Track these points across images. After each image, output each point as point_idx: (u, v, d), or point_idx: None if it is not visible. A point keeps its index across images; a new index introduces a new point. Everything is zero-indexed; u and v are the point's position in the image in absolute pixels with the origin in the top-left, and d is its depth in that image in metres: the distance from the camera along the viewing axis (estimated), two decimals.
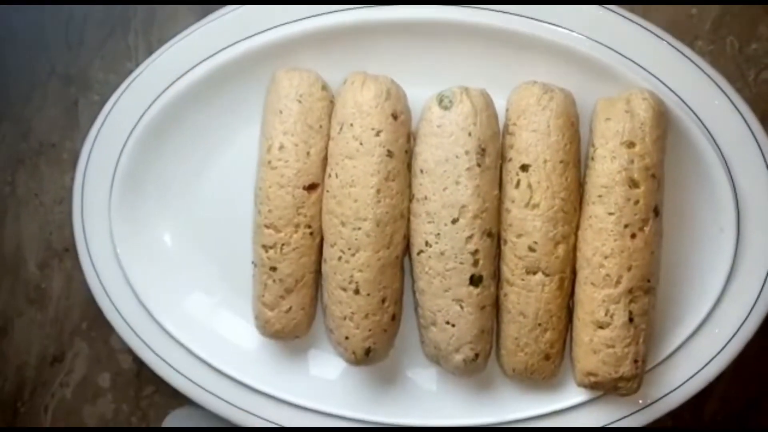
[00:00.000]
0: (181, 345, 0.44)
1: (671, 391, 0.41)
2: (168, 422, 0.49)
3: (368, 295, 0.40)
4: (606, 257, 0.38)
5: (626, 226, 0.38)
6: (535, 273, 0.39)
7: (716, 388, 0.44)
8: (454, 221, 0.39)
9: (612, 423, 0.41)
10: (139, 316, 0.45)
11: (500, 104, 0.41)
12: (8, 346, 0.52)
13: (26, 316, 0.52)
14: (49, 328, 0.51)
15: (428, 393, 0.44)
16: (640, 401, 0.41)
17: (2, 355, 0.53)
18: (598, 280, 0.38)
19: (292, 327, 0.42)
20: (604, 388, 0.40)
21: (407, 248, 0.42)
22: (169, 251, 0.46)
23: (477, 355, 0.40)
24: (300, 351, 0.45)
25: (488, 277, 0.40)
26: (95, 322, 0.51)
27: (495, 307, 0.41)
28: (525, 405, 0.42)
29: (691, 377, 0.40)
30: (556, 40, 0.40)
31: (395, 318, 0.42)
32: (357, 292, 0.40)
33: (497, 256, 0.41)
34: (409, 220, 0.41)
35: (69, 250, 0.50)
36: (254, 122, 0.44)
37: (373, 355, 0.41)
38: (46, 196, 0.51)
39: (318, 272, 0.43)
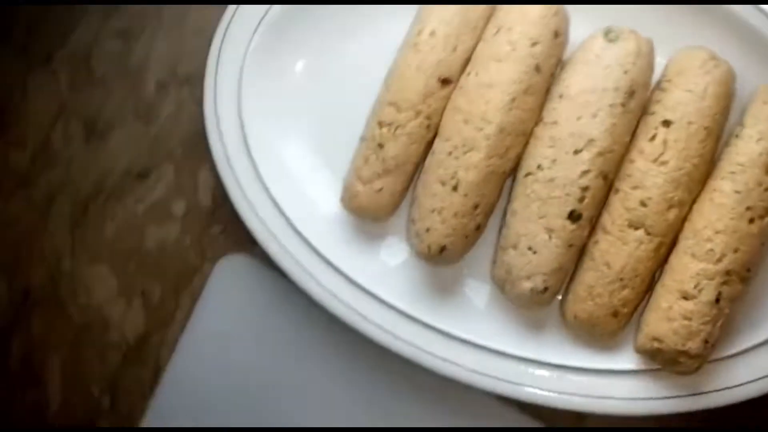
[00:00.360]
0: (267, 190, 0.41)
1: (719, 390, 0.36)
2: (222, 263, 0.46)
3: (465, 195, 0.36)
4: (717, 232, 0.34)
5: (748, 208, 0.34)
6: (637, 228, 0.35)
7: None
8: (576, 152, 0.35)
9: (648, 398, 0.36)
10: (239, 151, 0.42)
11: (656, 62, 0.37)
12: (101, 151, 0.49)
13: (128, 128, 0.49)
14: (145, 145, 0.49)
15: (476, 309, 0.40)
16: (686, 389, 0.36)
17: (93, 156, 0.49)
18: (700, 253, 0.34)
19: (375, 207, 0.39)
20: (663, 359, 0.35)
21: (514, 170, 0.38)
22: (288, 101, 0.42)
23: (546, 289, 0.36)
24: (373, 235, 0.41)
25: (586, 219, 0.36)
26: (190, 152, 0.47)
27: (579, 252, 0.37)
28: (569, 353, 0.38)
29: (746, 383, 0.36)
30: (736, 12, 0.37)
31: (479, 229, 0.38)
32: (455, 189, 0.36)
33: (601, 202, 0.37)
34: (527, 143, 0.37)
35: (190, 80, 0.47)
36: (407, 13, 0.40)
37: (445, 255, 0.37)
38: (187, 26, 0.48)
39: (418, 165, 0.39)
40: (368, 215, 0.40)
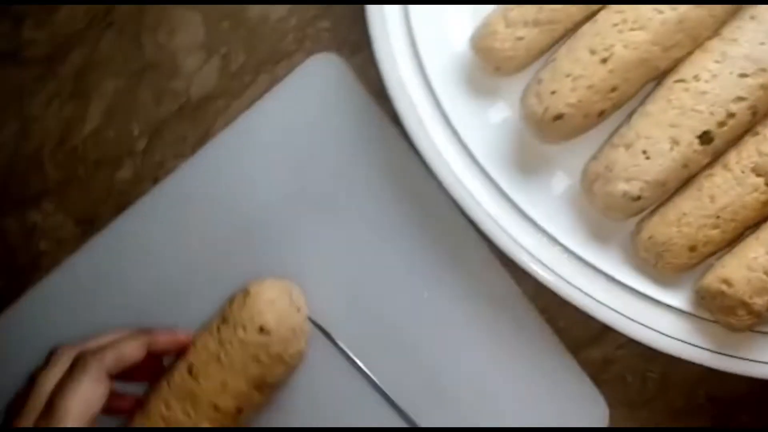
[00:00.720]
0: None
1: (751, 360, 0.34)
2: (316, 59, 0.42)
3: (610, 71, 0.33)
4: None
5: None
6: (759, 175, 0.33)
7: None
8: (742, 75, 0.32)
9: (682, 340, 0.34)
10: None
11: None
12: None
13: None
14: None
15: (550, 194, 0.37)
16: (721, 347, 0.35)
17: None
18: None
19: (506, 55, 0.35)
20: (720, 304, 0.33)
21: (663, 74, 0.35)
22: None
23: (639, 198, 0.33)
24: (486, 88, 0.38)
25: (713, 147, 0.33)
26: None
27: (687, 179, 0.34)
28: (623, 269, 0.36)
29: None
30: None
31: (601, 116, 0.34)
32: (603, 62, 0.33)
33: (735, 139, 0.34)
34: (691, 52, 0.34)
35: None
36: None
37: (555, 125, 0.34)
38: None
39: (566, 33, 0.35)
40: (493, 61, 0.36)
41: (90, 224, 0.47)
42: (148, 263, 0.44)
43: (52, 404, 0.35)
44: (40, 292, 0.46)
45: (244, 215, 0.43)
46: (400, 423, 0.39)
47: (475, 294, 0.39)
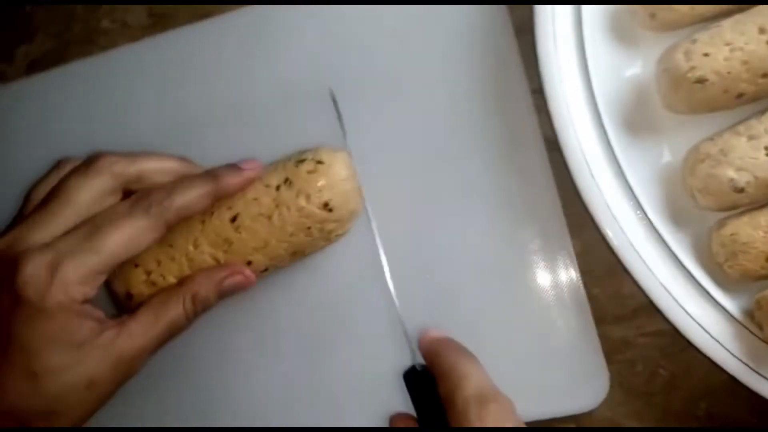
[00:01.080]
0: None
1: None
2: None
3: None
4: None
5: None
6: None
7: None
8: None
9: (716, 337, 0.34)
10: None
11: None
12: None
13: None
14: None
15: (650, 163, 0.36)
16: (748, 361, 0.34)
17: None
18: None
19: (669, 8, 0.34)
20: None
21: None
22: None
23: (742, 190, 0.32)
24: (629, 37, 0.36)
25: None
26: None
27: None
28: (689, 255, 0.35)
29: None
30: None
31: (738, 98, 0.33)
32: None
33: None
34: None
35: None
36: None
37: (695, 89, 0.32)
38: None
39: (738, 9, 0.34)
40: (652, 6, 0.34)
41: (162, 20, 0.44)
42: (206, 83, 0.41)
43: (92, 226, 0.31)
44: (85, 68, 0.43)
45: (322, 74, 0.40)
46: (392, 325, 0.38)
47: (527, 229, 0.38)
